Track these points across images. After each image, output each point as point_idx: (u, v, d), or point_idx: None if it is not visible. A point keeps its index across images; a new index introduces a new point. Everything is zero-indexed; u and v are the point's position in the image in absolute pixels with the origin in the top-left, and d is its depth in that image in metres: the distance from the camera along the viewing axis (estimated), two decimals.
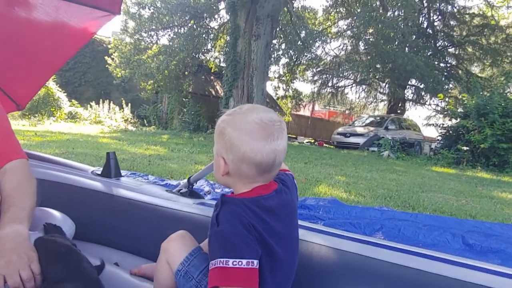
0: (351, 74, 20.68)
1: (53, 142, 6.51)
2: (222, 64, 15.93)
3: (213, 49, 17.03)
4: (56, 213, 1.30)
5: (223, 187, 2.50)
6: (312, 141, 17.86)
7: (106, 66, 15.01)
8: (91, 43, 17.49)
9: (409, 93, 20.06)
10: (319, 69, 20.20)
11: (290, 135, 19.54)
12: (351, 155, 10.36)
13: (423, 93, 19.03)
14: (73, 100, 14.83)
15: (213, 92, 18.62)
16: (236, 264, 0.74)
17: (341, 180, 4.96)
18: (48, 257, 0.89)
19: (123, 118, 14.95)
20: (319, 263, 1.07)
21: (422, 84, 17.22)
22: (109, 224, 1.47)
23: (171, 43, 14.67)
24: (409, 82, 18.86)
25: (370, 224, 2.04)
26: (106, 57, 14.97)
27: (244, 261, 0.75)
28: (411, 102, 21.03)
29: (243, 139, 0.82)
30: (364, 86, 21.79)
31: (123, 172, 2.05)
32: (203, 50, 16.35)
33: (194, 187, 1.71)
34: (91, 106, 14.68)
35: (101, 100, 15.05)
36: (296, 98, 21.02)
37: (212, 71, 17.69)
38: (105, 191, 1.58)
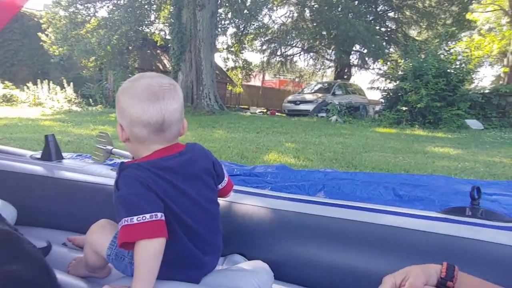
0: (299, 42, 20.85)
1: None
2: (168, 37, 15.34)
3: (157, 20, 16.29)
4: None
5: None
6: (265, 110, 18.02)
7: (41, 43, 13.86)
8: (19, 18, 15.95)
9: (354, 59, 20.71)
10: (267, 38, 20.14)
11: (242, 106, 19.54)
12: (301, 122, 10.66)
13: (366, 58, 19.73)
14: (6, 82, 13.62)
15: (161, 67, 17.98)
16: (140, 220, 0.78)
17: (291, 146, 5.15)
18: None
19: (65, 98, 14.01)
20: (258, 223, 1.17)
21: (365, 49, 17.85)
22: (54, 207, 1.46)
23: (110, 16, 13.81)
24: (354, 48, 19.44)
25: (313, 185, 2.20)
26: (39, 34, 13.79)
27: (148, 215, 0.79)
28: (356, 67, 21.75)
29: (129, 103, 0.86)
30: (312, 54, 22.11)
31: (68, 155, 2.00)
32: (146, 22, 15.59)
33: None
34: (28, 87, 13.59)
35: (39, 81, 13.96)
36: (246, 69, 20.94)
37: (158, 44, 17.00)
38: (46, 174, 1.56)
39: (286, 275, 1.08)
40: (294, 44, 21.07)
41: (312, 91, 16.10)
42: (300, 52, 22.09)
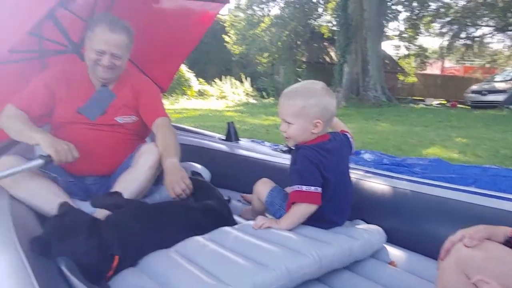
0: (491, 20, 17.65)
1: (189, 117, 7.74)
2: (335, 28, 15.57)
3: (324, 13, 16.71)
4: (198, 165, 1.91)
5: None
6: (444, 102, 15.98)
7: (225, 44, 16.29)
8: None
9: None
10: (448, 19, 17.76)
11: (415, 98, 17.94)
12: (485, 115, 9.25)
13: None
14: (200, 79, 16.61)
15: (327, 59, 18.40)
16: (307, 189, 1.16)
17: (460, 142, 4.72)
18: (195, 187, 1.43)
19: (244, 92, 16.16)
20: (380, 197, 1.44)
21: None
22: (232, 174, 2.06)
23: (282, 13, 15.03)
24: None
25: (463, 179, 2.12)
26: (224, 36, 16.19)
27: (313, 188, 1.16)
28: None
29: (326, 101, 1.20)
30: (509, 33, 18.33)
31: (244, 140, 2.60)
32: (314, 16, 16.22)
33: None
34: (215, 83, 16.26)
35: (223, 77, 16.49)
36: (421, 56, 19.08)
37: (325, 36, 17.39)
38: (228, 151, 2.21)
39: (398, 240, 1.31)
40: (482, 24, 17.97)
41: (508, 78, 13.45)
42: (492, 32, 18.63)
